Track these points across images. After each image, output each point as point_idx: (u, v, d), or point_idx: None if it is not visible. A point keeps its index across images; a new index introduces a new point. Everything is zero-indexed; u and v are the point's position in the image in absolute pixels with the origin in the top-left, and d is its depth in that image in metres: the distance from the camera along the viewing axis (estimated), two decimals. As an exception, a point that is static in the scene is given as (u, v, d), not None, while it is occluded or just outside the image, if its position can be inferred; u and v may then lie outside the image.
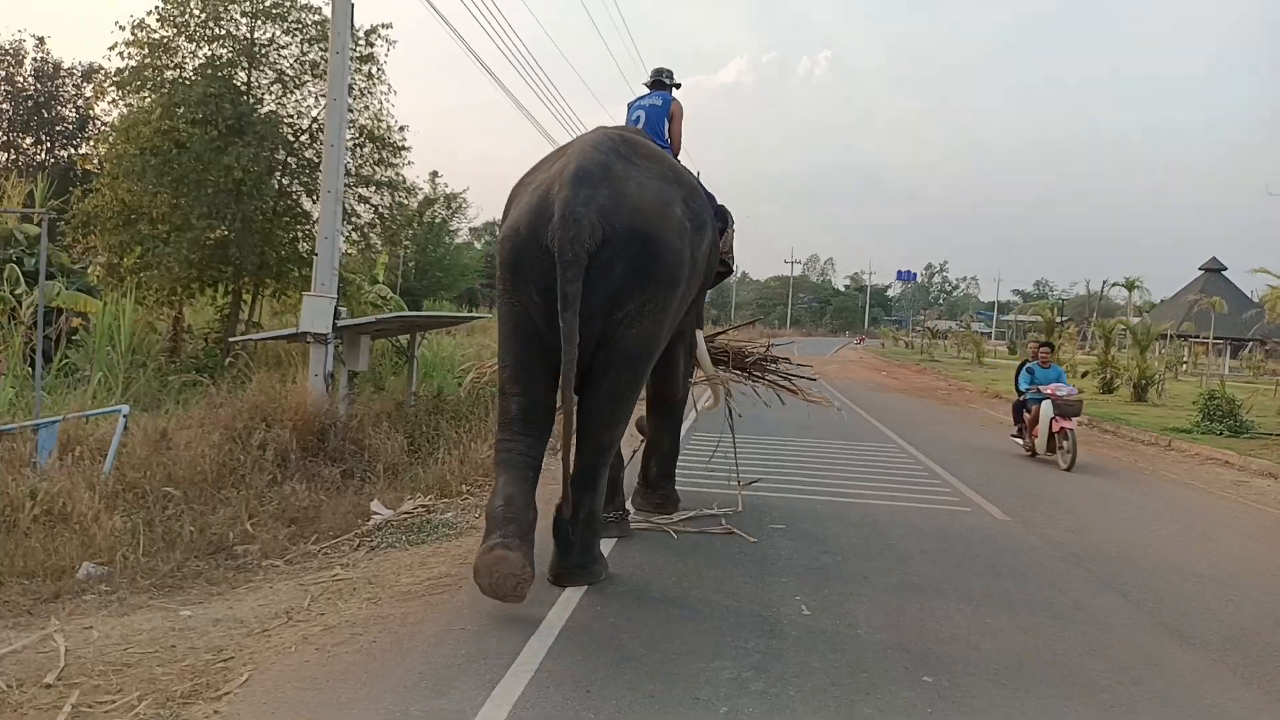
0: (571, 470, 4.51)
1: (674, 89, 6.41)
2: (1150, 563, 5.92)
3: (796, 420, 12.89)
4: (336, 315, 9.13)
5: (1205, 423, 14.43)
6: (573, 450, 4.50)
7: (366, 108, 16.33)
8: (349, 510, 6.51)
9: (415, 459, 8.39)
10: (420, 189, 51.68)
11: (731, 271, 6.62)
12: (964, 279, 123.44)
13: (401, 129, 16.75)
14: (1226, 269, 51.96)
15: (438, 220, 53.08)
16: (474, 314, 16.29)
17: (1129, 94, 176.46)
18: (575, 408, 4.51)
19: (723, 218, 5.96)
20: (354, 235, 16.14)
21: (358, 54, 15.90)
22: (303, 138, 15.24)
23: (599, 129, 5.20)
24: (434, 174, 51.68)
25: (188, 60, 13.84)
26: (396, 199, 17.21)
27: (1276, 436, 13.26)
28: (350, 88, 16.00)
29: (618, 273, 4.31)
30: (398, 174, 17.21)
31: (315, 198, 15.62)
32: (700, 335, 6.49)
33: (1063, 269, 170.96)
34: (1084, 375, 23.80)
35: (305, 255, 14.65)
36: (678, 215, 4.61)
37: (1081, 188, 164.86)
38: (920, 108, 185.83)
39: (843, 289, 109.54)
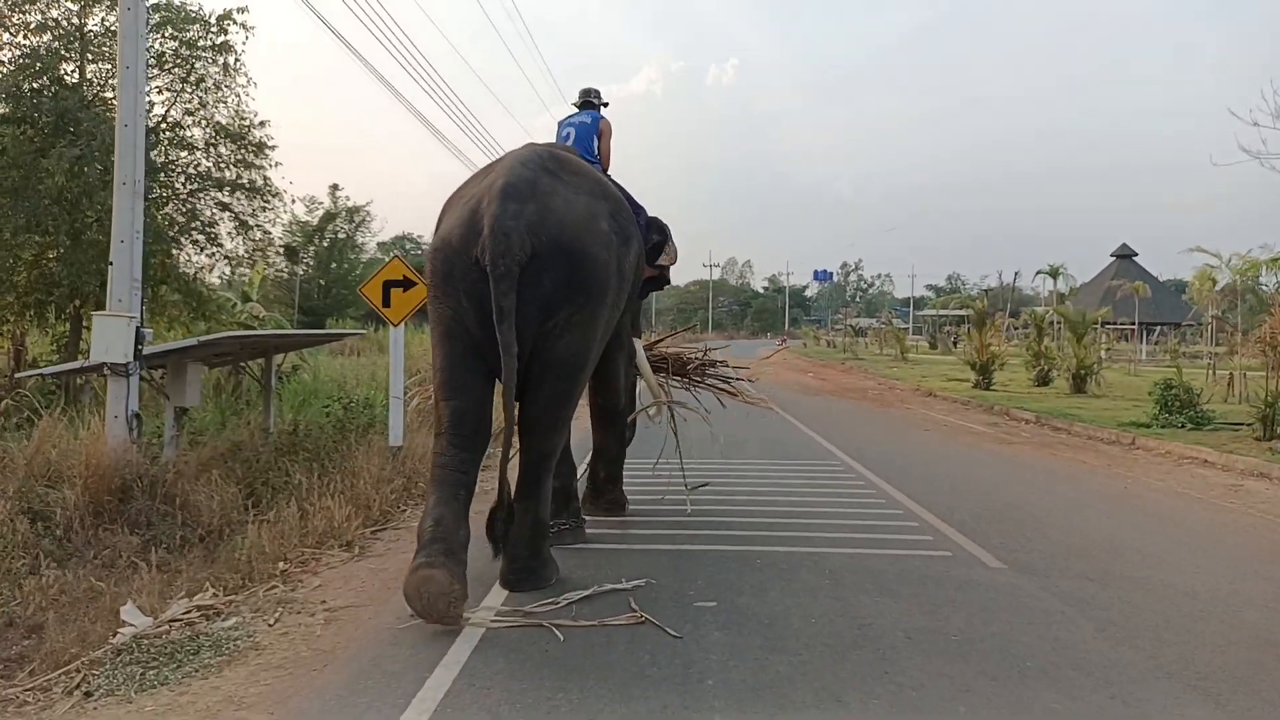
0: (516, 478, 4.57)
1: (602, 107, 6.64)
2: (1221, 634, 4.35)
3: (723, 433, 11.22)
4: (140, 339, 7.08)
5: (1163, 415, 13.37)
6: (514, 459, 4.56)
7: (223, 102, 14.16)
8: (105, 614, 4.53)
9: (254, 515, 6.41)
10: (320, 203, 48.88)
11: (669, 281, 6.82)
12: (879, 276, 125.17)
13: (262, 124, 14.56)
14: (1137, 254, 52.98)
15: (340, 235, 50.21)
16: (348, 330, 14.10)
17: (1029, 89, 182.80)
18: (525, 413, 4.65)
19: (661, 230, 6.20)
20: (206, 244, 13.89)
21: (211, 42, 13.78)
22: (148, 138, 12.98)
23: (528, 145, 5.28)
24: (334, 187, 48.79)
25: (3, 51, 11.68)
26: (262, 205, 14.98)
27: (1244, 427, 12.23)
28: (202, 80, 13.91)
29: (546, 285, 4.40)
30: (263, 177, 15.00)
31: (168, 205, 13.39)
32: (639, 344, 6.64)
33: (973, 263, 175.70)
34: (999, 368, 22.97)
35: (159, 275, 12.50)
36: (603, 229, 4.72)
37: (986, 183, 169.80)
38: (826, 110, 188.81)
39: (761, 291, 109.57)
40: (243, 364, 11.50)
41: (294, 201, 14.94)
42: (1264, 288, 19.95)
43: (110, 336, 6.78)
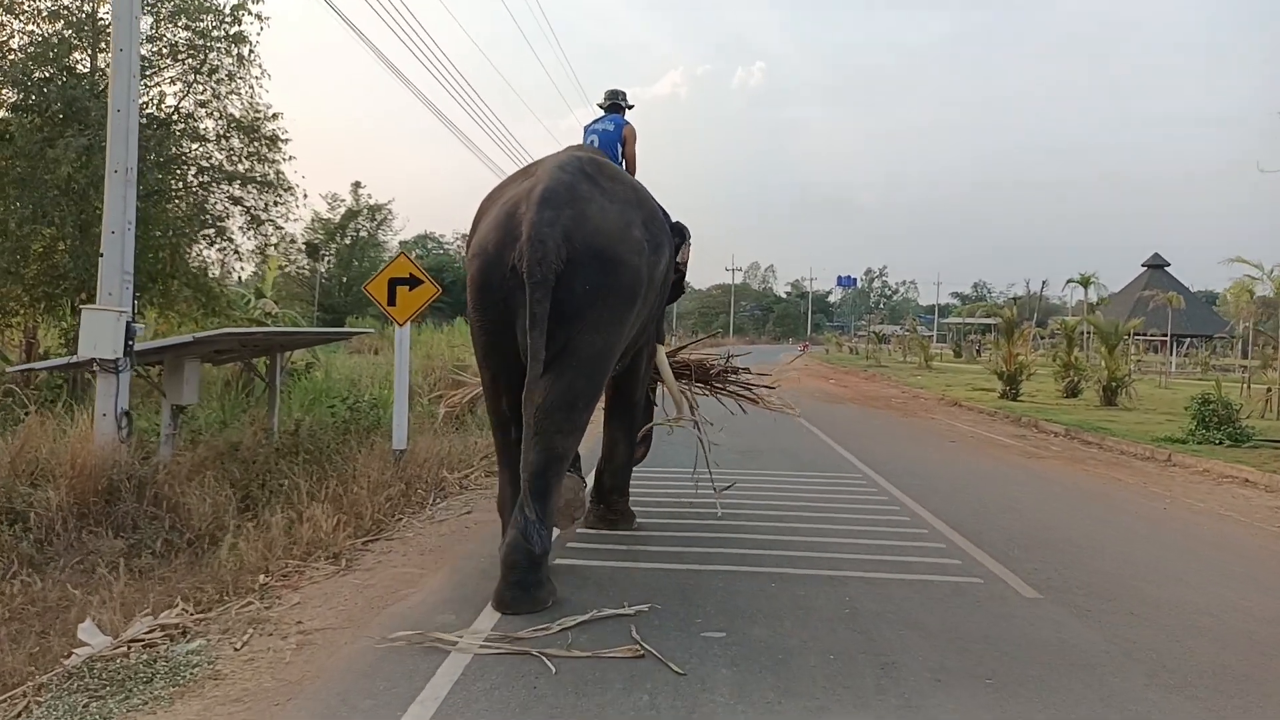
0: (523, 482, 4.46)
1: (626, 110, 6.62)
2: None
3: (740, 443, 10.84)
4: (131, 335, 6.81)
5: (1200, 430, 12.80)
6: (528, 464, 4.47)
7: (236, 94, 13.97)
8: (71, 628, 4.23)
9: (245, 520, 6.12)
10: (342, 201, 48.95)
11: (684, 283, 6.69)
12: (903, 283, 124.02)
13: (274, 117, 14.35)
14: (1169, 265, 51.87)
15: (362, 234, 50.27)
16: (359, 329, 13.82)
17: (1057, 96, 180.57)
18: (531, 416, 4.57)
19: (680, 233, 6.08)
20: (216, 239, 13.70)
21: (225, 32, 13.60)
22: (160, 130, 12.84)
23: (567, 150, 5.37)
24: (356, 184, 48.89)
25: (13, 39, 11.56)
26: (274, 199, 14.78)
27: (1285, 444, 11.66)
28: (215, 70, 13.73)
29: (578, 288, 4.43)
30: (276, 171, 14.81)
31: (179, 198, 13.22)
32: (662, 350, 6.67)
33: (999, 271, 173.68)
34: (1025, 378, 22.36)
35: (168, 270, 12.35)
36: (636, 237, 4.76)
37: (1015, 191, 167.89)
38: (853, 116, 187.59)
39: (784, 296, 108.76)
40: (250, 362, 11.26)
41: (305, 197, 14.66)
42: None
43: (99, 331, 6.51)
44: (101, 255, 6.72)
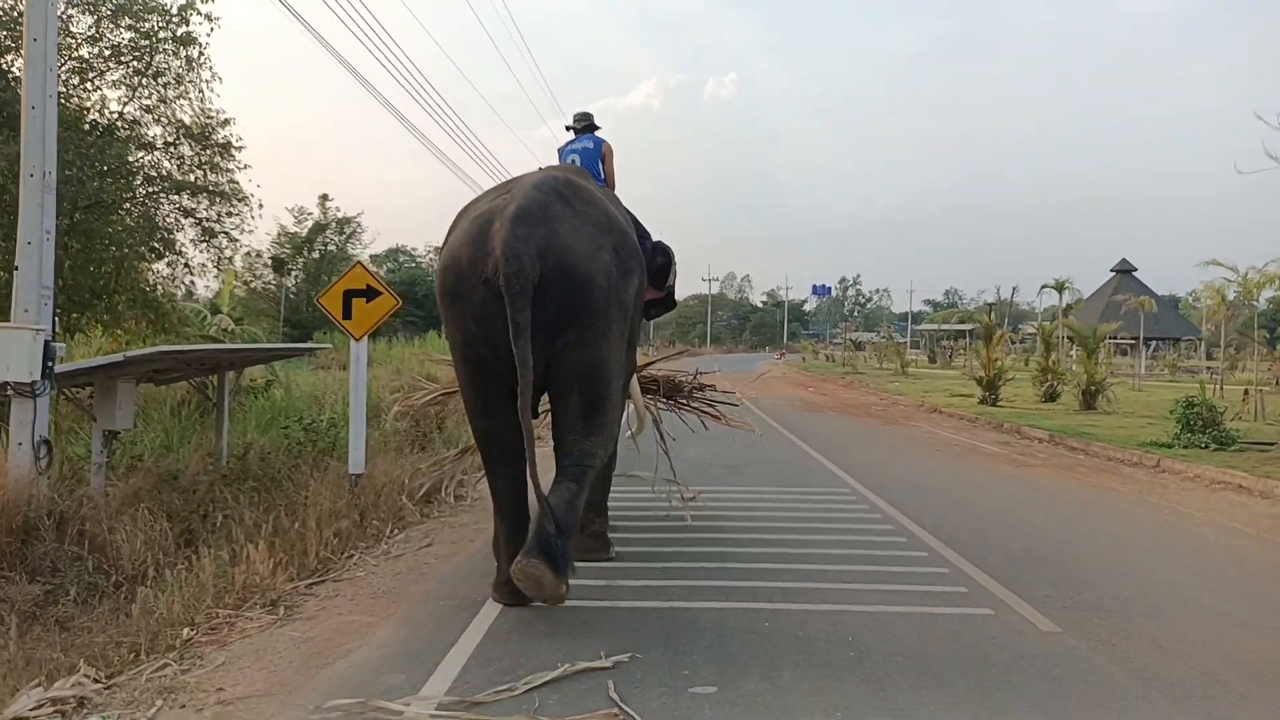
0: (555, 477, 4.65)
1: (597, 130, 6.72)
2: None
3: (722, 456, 10.37)
4: (50, 355, 6.18)
5: (1185, 434, 12.51)
6: (538, 470, 4.46)
7: (185, 98, 13.31)
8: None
9: (185, 556, 5.51)
10: (309, 214, 48.00)
11: (675, 304, 6.79)
12: (877, 291, 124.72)
13: (225, 123, 13.70)
14: (1137, 270, 52.30)
15: (330, 247, 49.27)
16: (306, 345, 13.16)
17: (1033, 110, 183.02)
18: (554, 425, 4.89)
19: (665, 253, 6.20)
20: (165, 252, 13.03)
21: (172, 33, 12.96)
22: (103, 137, 12.17)
23: (545, 169, 5.47)
24: (324, 197, 47.92)
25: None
26: (227, 210, 14.10)
27: (1272, 447, 11.38)
28: (161, 73, 13.06)
29: (549, 307, 4.49)
30: (230, 181, 14.15)
31: (125, 210, 12.52)
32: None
33: (971, 279, 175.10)
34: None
35: (109, 284, 11.69)
36: (605, 260, 4.80)
37: (982, 200, 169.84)
38: (825, 127, 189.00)
39: (760, 305, 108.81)
40: (200, 381, 10.61)
41: (260, 207, 14.00)
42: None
43: (12, 352, 5.87)
44: (16, 268, 6.08)
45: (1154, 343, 49.25)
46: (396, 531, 6.42)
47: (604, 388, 4.83)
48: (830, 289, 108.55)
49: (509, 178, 5.86)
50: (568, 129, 6.87)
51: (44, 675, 3.67)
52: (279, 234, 45.36)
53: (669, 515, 7.11)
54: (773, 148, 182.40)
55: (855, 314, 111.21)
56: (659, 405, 8.03)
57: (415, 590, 5.00)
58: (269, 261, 45.96)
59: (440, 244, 5.45)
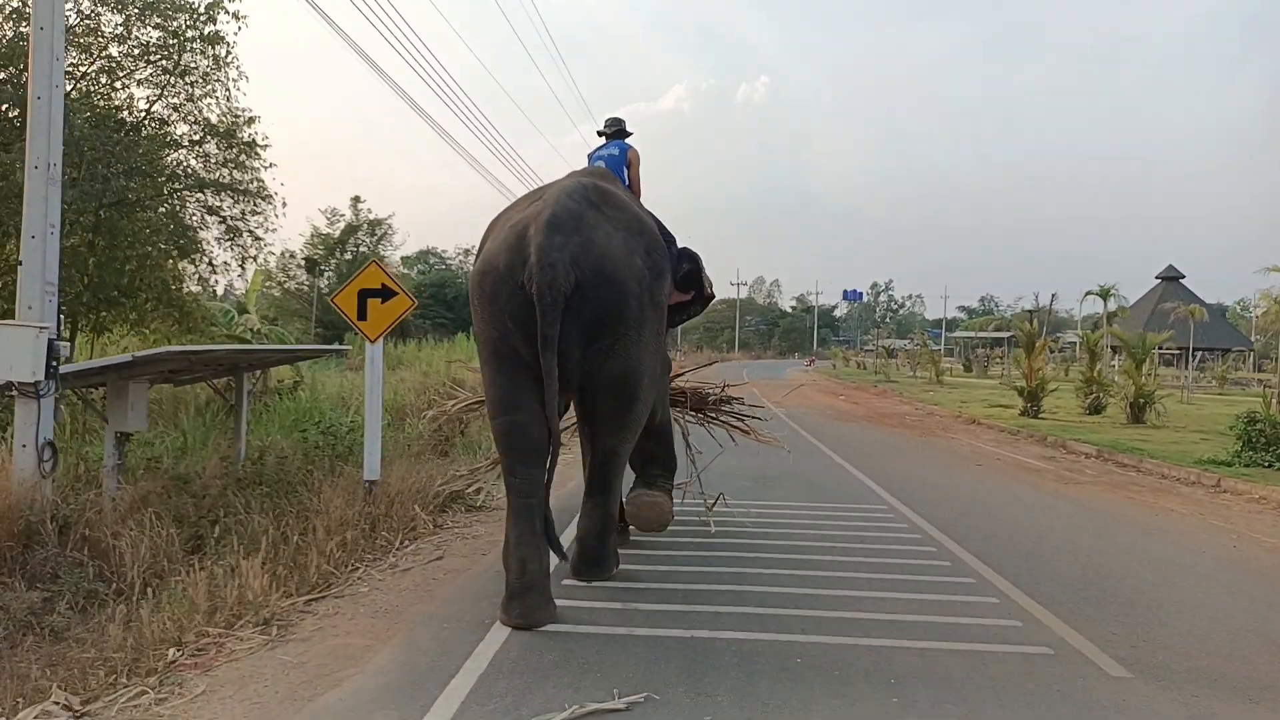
0: (586, 475, 5.25)
1: (627, 136, 6.79)
2: None
3: (751, 468, 9.94)
4: (55, 354, 5.95)
5: (1246, 451, 11.84)
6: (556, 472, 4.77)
7: (212, 96, 13.19)
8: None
9: (188, 565, 5.24)
10: (341, 215, 48.32)
11: (707, 304, 6.65)
12: (909, 297, 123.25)
13: (251, 121, 13.56)
14: (1184, 276, 50.78)
15: (362, 248, 49.53)
16: (325, 346, 12.94)
17: (1069, 112, 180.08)
18: (590, 427, 5.19)
19: (692, 259, 6.12)
20: (190, 250, 12.89)
21: (200, 32, 12.86)
22: (129, 135, 12.08)
23: (574, 176, 5.45)
24: (356, 199, 48.16)
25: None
26: (251, 208, 13.96)
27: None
28: (189, 71, 12.96)
29: (586, 313, 4.57)
30: (256, 179, 14.02)
31: (149, 208, 12.39)
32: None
33: (1006, 285, 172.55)
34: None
35: (133, 282, 11.57)
36: (638, 264, 4.85)
37: (1021, 204, 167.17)
38: (857, 130, 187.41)
39: (789, 310, 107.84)
40: (217, 383, 10.41)
41: (284, 205, 13.83)
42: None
43: (15, 350, 5.63)
44: (20, 263, 5.85)
45: (1199, 353, 47.81)
46: (407, 543, 6.09)
47: (638, 392, 5.01)
48: (862, 294, 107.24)
49: (540, 184, 5.91)
50: (599, 134, 6.96)
51: (9, 705, 3.36)
52: (312, 235, 45.64)
53: (691, 531, 6.72)
54: (804, 151, 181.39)
55: (887, 320, 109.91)
56: (686, 418, 7.92)
57: (420, 610, 4.64)
58: (302, 262, 46.25)
59: (474, 250, 5.66)
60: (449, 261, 65.82)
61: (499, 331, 4.70)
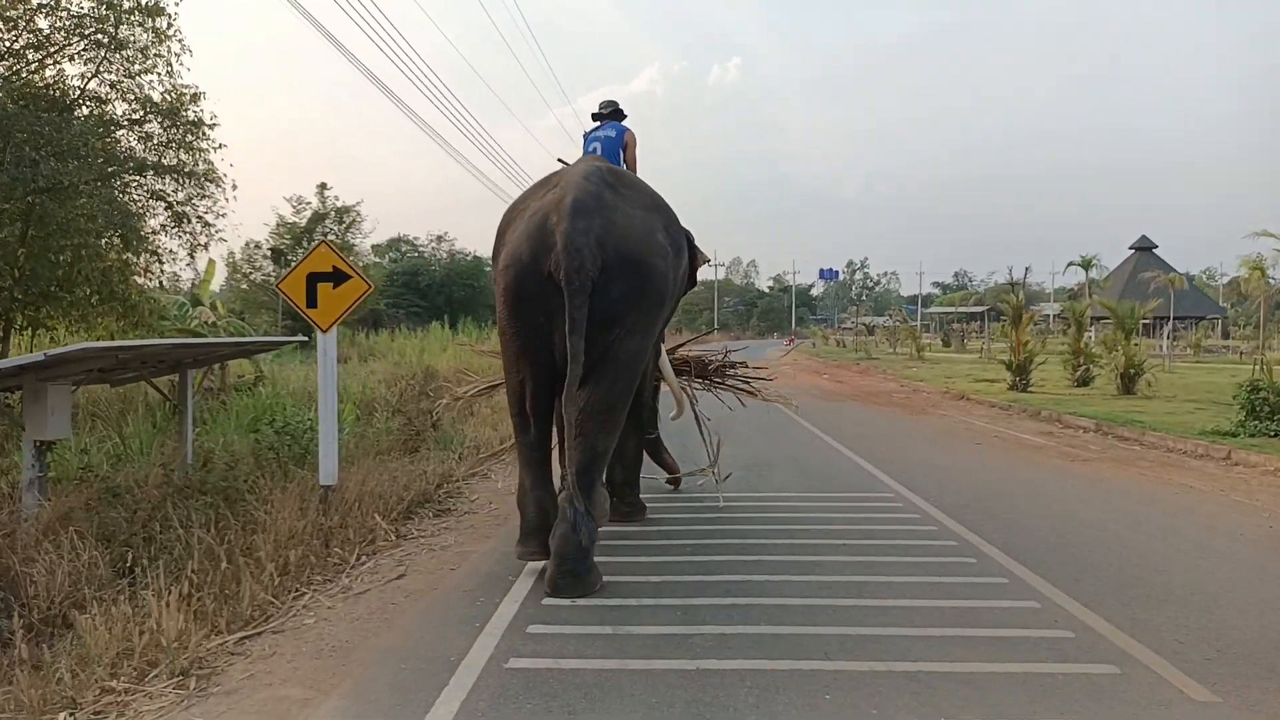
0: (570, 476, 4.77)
1: (623, 118, 6.81)
2: None
3: (743, 454, 9.29)
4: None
5: (1250, 421, 11.38)
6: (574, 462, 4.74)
7: (152, 72, 12.25)
8: None
9: (115, 591, 4.50)
10: (307, 204, 47.06)
11: (697, 283, 6.67)
12: (885, 274, 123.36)
13: (196, 97, 12.63)
14: (1157, 247, 50.73)
15: (330, 237, 48.24)
16: (276, 339, 12.14)
17: (1033, 89, 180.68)
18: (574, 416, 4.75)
19: (686, 237, 5.93)
20: (130, 238, 11.98)
21: (138, 3, 11.91)
22: (61, 115, 11.14)
23: (587, 161, 5.45)
24: (322, 186, 46.83)
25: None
26: (198, 192, 13.04)
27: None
28: (125, 44, 12.05)
29: (613, 294, 4.58)
30: (205, 161, 13.08)
31: (84, 194, 11.46)
32: (663, 347, 6.91)
33: (979, 260, 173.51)
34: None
35: (68, 274, 10.71)
36: (661, 242, 4.92)
37: (990, 180, 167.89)
38: (829, 110, 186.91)
39: (767, 290, 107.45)
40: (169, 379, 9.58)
41: (234, 188, 12.95)
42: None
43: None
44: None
45: (1175, 321, 47.86)
46: (364, 559, 5.36)
47: (636, 376, 5.06)
48: (838, 273, 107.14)
49: (553, 170, 5.78)
50: (594, 116, 6.94)
51: None
52: (278, 224, 44.35)
53: (686, 530, 6.06)
54: (777, 131, 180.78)
55: (863, 298, 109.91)
56: (693, 385, 8.02)
57: (374, 645, 3.93)
58: (268, 253, 44.99)
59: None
60: (421, 249, 64.51)
61: (527, 326, 4.76)
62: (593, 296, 4.48)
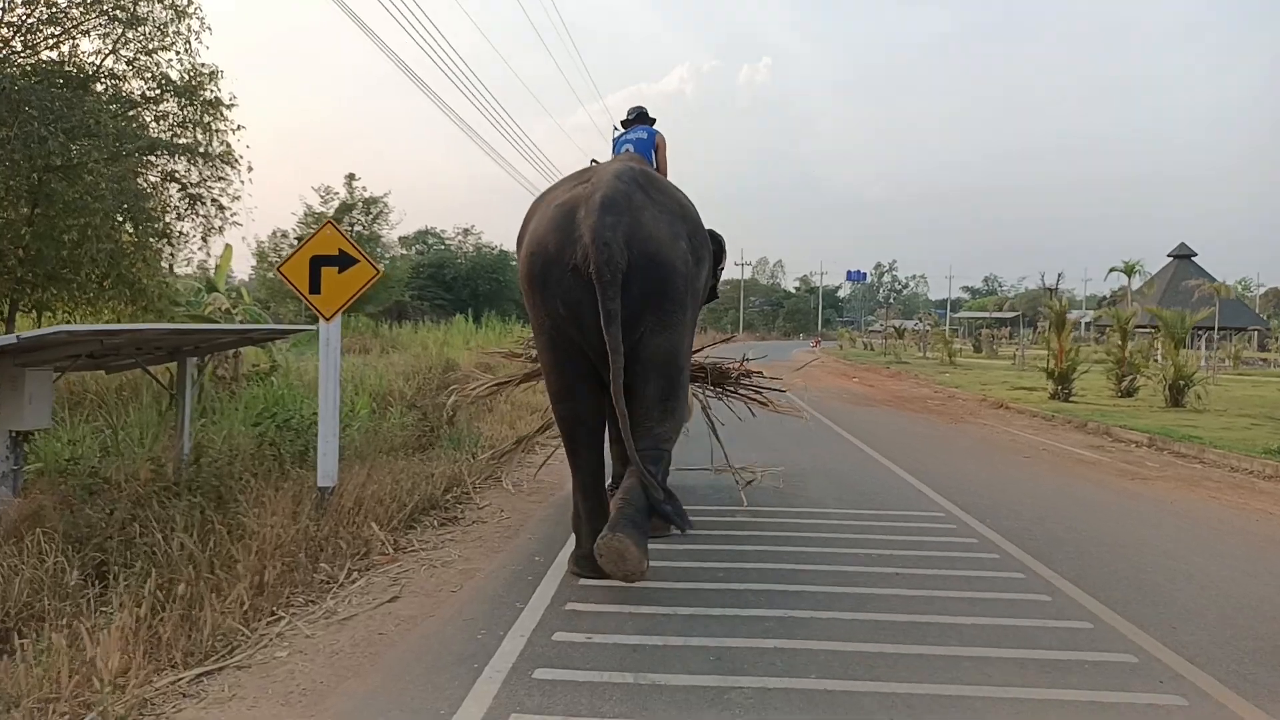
0: (635, 457, 4.62)
1: (652, 123, 6.90)
2: None
3: (779, 464, 8.61)
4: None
5: (1325, 441, 10.57)
6: (632, 446, 4.59)
7: (171, 49, 11.84)
8: None
9: (85, 601, 3.96)
10: (335, 194, 46.90)
11: (718, 295, 6.69)
12: (913, 277, 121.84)
13: (213, 75, 12.19)
14: (1196, 255, 49.22)
15: (358, 227, 48.04)
16: (282, 326, 11.62)
17: (1064, 94, 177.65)
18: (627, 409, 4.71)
19: (716, 241, 6.04)
20: (149, 223, 11.56)
21: (160, -26, 11.50)
22: (76, 91, 10.73)
23: (621, 160, 5.48)
24: (350, 176, 46.61)
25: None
26: (214, 174, 12.61)
27: None
28: (141, 20, 11.65)
29: (634, 292, 4.55)
30: (223, 142, 12.65)
31: (98, 169, 11.03)
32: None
33: (1009, 264, 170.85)
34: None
35: (83, 255, 10.29)
36: (683, 248, 4.90)
37: (1025, 183, 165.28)
38: (859, 111, 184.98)
39: (793, 291, 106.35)
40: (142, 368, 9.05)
41: (250, 170, 12.50)
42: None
43: None
44: None
45: (1223, 332, 46.39)
46: (356, 575, 4.77)
47: (678, 373, 4.98)
48: (865, 275, 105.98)
49: (585, 166, 5.80)
50: (622, 123, 7.07)
51: None
52: (305, 214, 44.19)
53: (713, 552, 5.44)
54: (806, 132, 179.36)
55: (891, 300, 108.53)
56: (706, 393, 7.95)
57: (352, 689, 3.33)
58: (295, 242, 44.84)
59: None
60: (448, 242, 64.37)
61: (552, 317, 4.73)
62: (621, 293, 4.45)
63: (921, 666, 3.64)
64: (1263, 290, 78.01)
